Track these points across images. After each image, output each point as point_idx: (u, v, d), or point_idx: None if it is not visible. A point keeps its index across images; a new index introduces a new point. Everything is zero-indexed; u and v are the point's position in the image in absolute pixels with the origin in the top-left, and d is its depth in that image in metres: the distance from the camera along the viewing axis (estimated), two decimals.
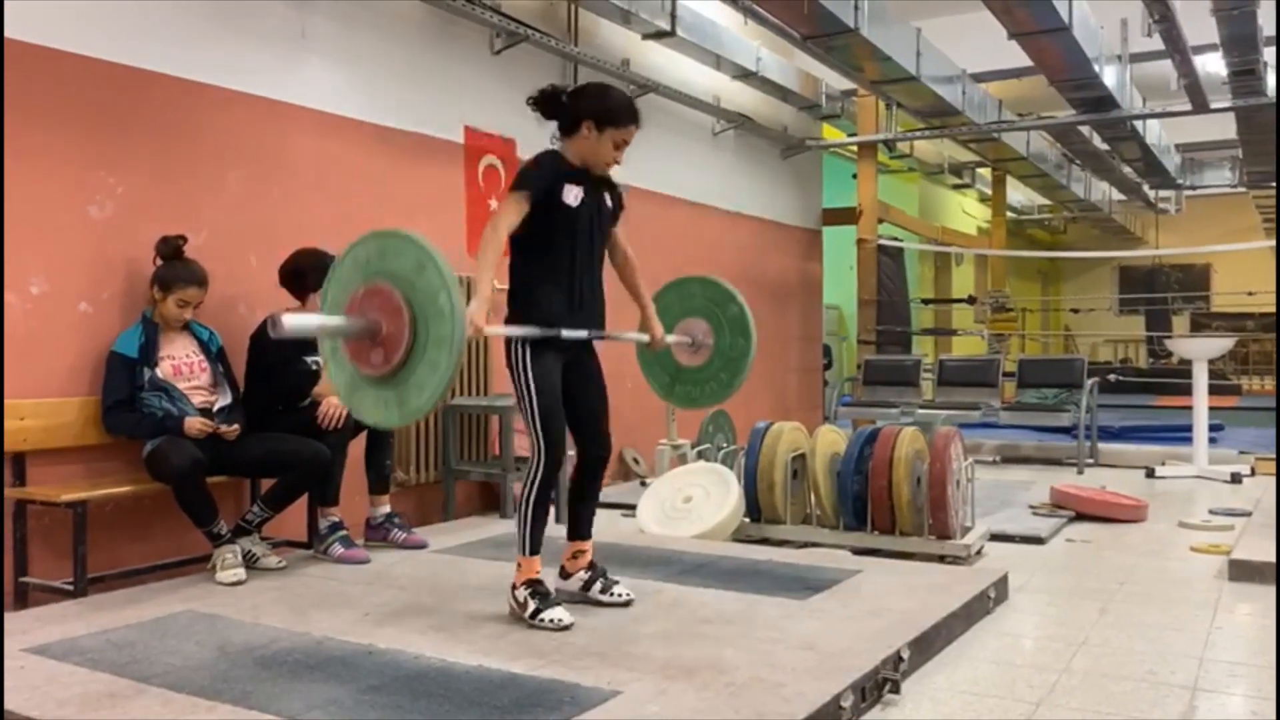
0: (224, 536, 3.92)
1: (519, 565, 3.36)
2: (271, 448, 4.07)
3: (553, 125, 3.47)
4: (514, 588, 3.35)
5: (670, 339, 3.85)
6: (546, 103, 3.43)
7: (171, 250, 4.04)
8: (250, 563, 4.03)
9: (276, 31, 4.74)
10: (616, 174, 3.57)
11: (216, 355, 4.15)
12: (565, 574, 3.60)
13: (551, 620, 3.24)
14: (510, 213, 3.25)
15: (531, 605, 3.28)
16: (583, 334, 3.43)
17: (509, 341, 3.36)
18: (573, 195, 3.35)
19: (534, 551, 3.36)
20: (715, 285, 3.98)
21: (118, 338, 3.97)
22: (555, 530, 3.77)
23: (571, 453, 3.61)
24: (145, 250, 4.15)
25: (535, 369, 3.33)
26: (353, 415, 2.90)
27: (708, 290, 3.99)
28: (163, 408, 3.90)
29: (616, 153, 3.40)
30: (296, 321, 2.65)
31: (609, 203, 3.51)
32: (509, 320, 3.39)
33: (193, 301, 4.04)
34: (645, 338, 3.73)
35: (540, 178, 3.32)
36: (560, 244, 3.36)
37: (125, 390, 3.90)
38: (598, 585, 3.56)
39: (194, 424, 3.87)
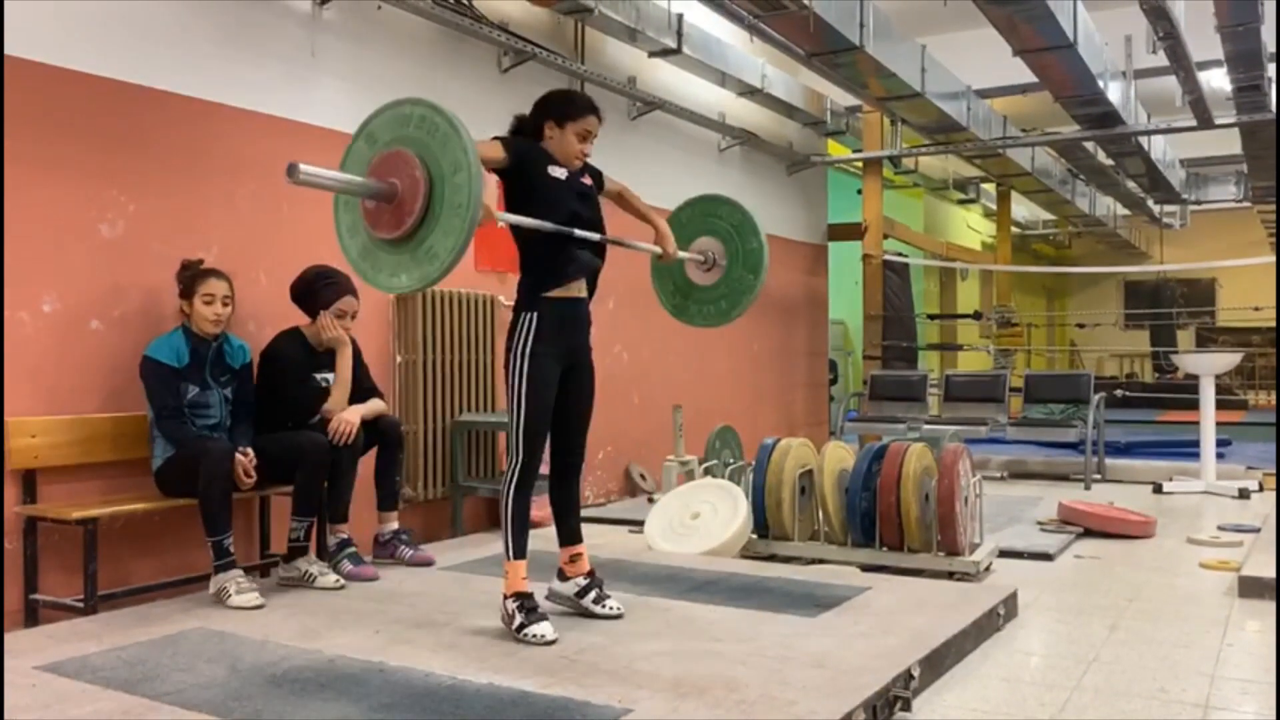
0: (231, 555, 3.82)
1: (506, 572, 3.38)
2: (269, 452, 4.05)
3: None
4: (505, 597, 3.37)
5: (684, 255, 3.90)
6: (514, 128, 3.57)
7: (191, 267, 4.11)
8: (307, 582, 4.03)
9: (287, 50, 4.78)
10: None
11: (239, 371, 4.17)
12: (563, 576, 3.64)
13: (536, 636, 3.26)
14: (484, 150, 3.23)
15: (518, 619, 3.30)
16: (595, 236, 3.50)
17: (510, 343, 3.42)
18: (556, 170, 3.47)
19: (518, 555, 3.38)
20: (743, 215, 3.99)
21: (151, 343, 3.98)
22: (544, 545, 3.79)
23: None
24: (156, 268, 4.19)
25: (531, 376, 3.38)
26: (368, 281, 3.04)
27: (734, 216, 4.01)
28: (197, 431, 3.94)
29: (583, 145, 3.51)
30: (315, 170, 2.76)
31: (590, 180, 3.62)
32: (522, 297, 3.44)
33: (217, 294, 4.04)
34: (657, 249, 3.78)
35: (518, 144, 3.42)
36: (557, 210, 3.40)
37: (176, 397, 3.93)
38: (592, 594, 3.59)
39: (241, 463, 3.89)
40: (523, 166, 3.39)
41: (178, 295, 4.08)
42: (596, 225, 3.53)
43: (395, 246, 2.91)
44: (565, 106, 3.50)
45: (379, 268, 2.96)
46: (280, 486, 4.22)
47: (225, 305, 4.06)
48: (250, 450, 3.97)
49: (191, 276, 4.06)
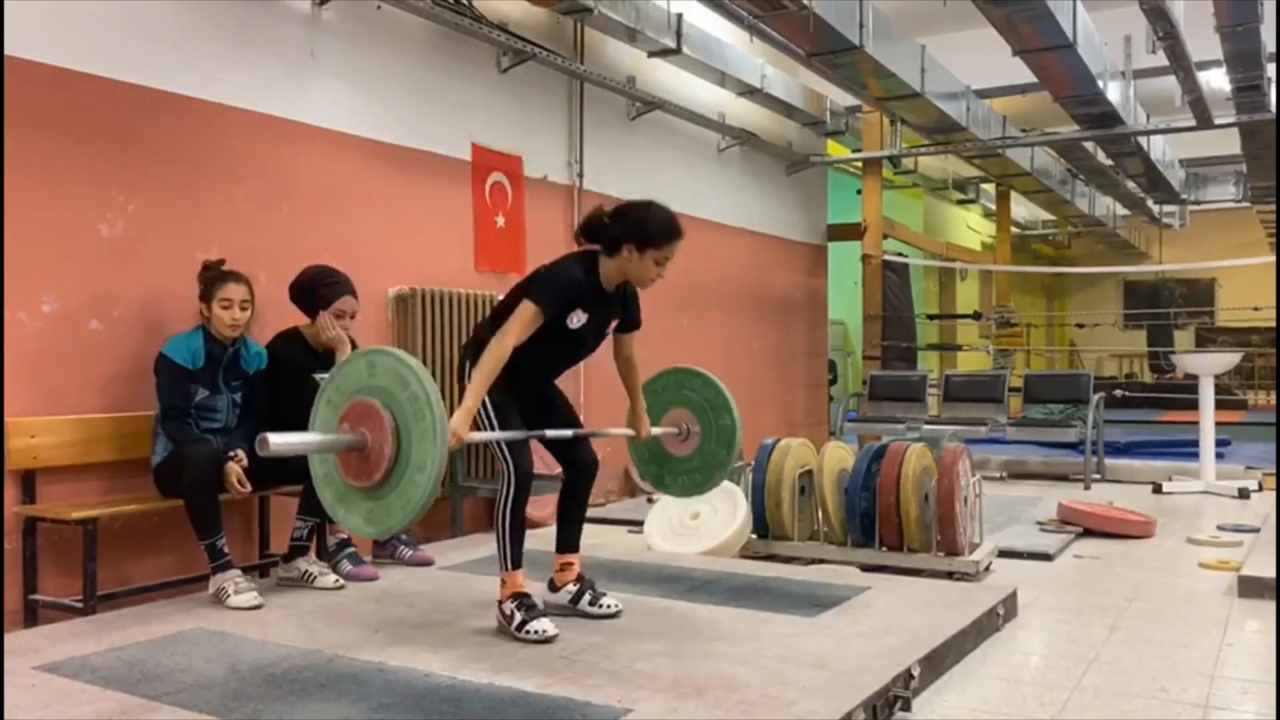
0: (226, 556, 3.81)
1: (503, 582, 3.39)
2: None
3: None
4: (500, 602, 3.38)
5: (656, 431, 3.88)
6: (590, 228, 3.44)
7: (211, 269, 4.08)
8: (307, 582, 4.03)
9: (286, 51, 4.77)
10: None
11: (252, 377, 4.16)
12: (554, 587, 3.64)
13: (536, 631, 3.27)
14: (524, 329, 3.23)
15: (518, 617, 3.30)
16: (567, 433, 3.50)
17: (462, 379, 3.38)
18: (576, 320, 3.38)
19: (515, 566, 3.39)
20: (717, 390, 3.98)
21: (169, 340, 3.95)
22: (542, 545, 3.79)
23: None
24: (156, 268, 4.19)
25: (495, 405, 3.35)
26: (338, 522, 3.05)
27: (708, 391, 3.99)
28: (198, 434, 3.92)
29: (658, 269, 3.40)
30: (284, 440, 2.70)
31: (612, 325, 3.54)
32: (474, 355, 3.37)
33: (235, 299, 3.99)
34: (631, 432, 3.80)
35: (561, 301, 3.31)
36: (544, 348, 3.37)
37: (184, 399, 3.92)
38: (586, 597, 3.59)
39: (234, 472, 3.83)
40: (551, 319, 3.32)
41: (198, 297, 4.06)
42: (569, 365, 3.57)
43: (366, 494, 2.89)
44: (653, 234, 3.33)
45: (338, 495, 2.96)
46: (284, 486, 4.21)
47: (243, 310, 4.03)
48: (240, 453, 3.90)
49: (211, 279, 4.03)
